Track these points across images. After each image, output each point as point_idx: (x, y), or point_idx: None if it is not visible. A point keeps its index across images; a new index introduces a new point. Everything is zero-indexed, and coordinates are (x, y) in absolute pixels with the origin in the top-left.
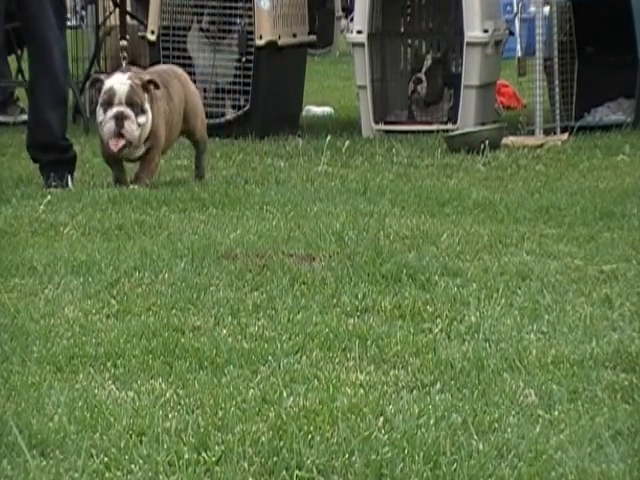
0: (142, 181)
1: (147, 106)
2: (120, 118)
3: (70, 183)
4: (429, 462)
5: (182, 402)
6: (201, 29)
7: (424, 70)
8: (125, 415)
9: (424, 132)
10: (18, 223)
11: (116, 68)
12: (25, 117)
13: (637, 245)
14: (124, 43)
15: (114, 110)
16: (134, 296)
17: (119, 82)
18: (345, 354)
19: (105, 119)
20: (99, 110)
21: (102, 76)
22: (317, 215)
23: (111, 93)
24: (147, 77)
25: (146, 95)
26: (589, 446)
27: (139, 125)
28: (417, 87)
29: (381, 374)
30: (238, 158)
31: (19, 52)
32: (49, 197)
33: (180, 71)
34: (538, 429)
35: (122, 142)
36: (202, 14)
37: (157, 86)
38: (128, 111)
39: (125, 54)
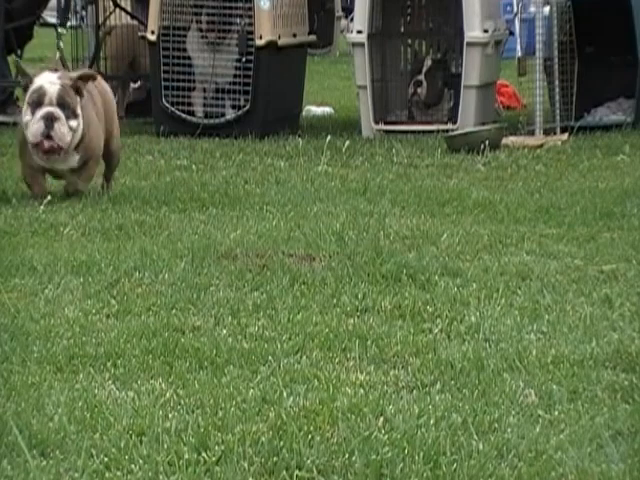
0: (79, 186)
1: (79, 110)
2: (50, 119)
3: None
4: (429, 462)
5: (182, 402)
6: (200, 29)
7: (424, 72)
8: (125, 415)
9: (424, 132)
10: (18, 223)
11: (117, 68)
12: None
13: (637, 245)
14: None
15: (43, 110)
16: (134, 296)
17: (49, 81)
18: (345, 354)
19: (33, 120)
20: (26, 110)
21: (30, 72)
22: (317, 215)
23: (41, 92)
24: (77, 76)
25: (78, 98)
26: (589, 446)
27: (70, 129)
28: (417, 89)
29: (381, 374)
30: (238, 158)
31: (19, 52)
32: (49, 197)
33: (98, 76)
34: (538, 429)
35: (51, 143)
36: (201, 14)
37: (82, 88)
38: (59, 112)
39: (61, 53)
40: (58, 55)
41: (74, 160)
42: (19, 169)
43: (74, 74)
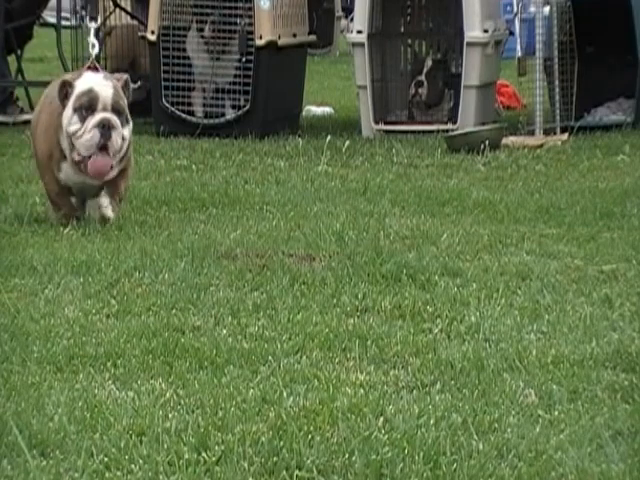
0: (110, 212)
1: (128, 115)
2: (107, 127)
3: None
4: (429, 462)
5: (182, 402)
6: (201, 29)
7: (425, 72)
8: (125, 415)
9: (424, 132)
10: (18, 223)
11: (117, 68)
12: (25, 117)
13: (637, 245)
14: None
15: (98, 117)
16: (134, 296)
17: (99, 82)
18: (345, 354)
19: (85, 128)
20: (71, 117)
21: (69, 77)
22: (317, 215)
23: (92, 96)
24: (124, 77)
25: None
26: (589, 446)
27: (123, 138)
28: (418, 90)
29: (381, 374)
30: (238, 158)
31: (19, 52)
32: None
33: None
34: (538, 429)
35: (110, 161)
36: (202, 14)
37: (128, 90)
38: (115, 119)
39: (93, 51)
40: (94, 52)
41: (112, 173)
42: (42, 185)
43: (118, 75)
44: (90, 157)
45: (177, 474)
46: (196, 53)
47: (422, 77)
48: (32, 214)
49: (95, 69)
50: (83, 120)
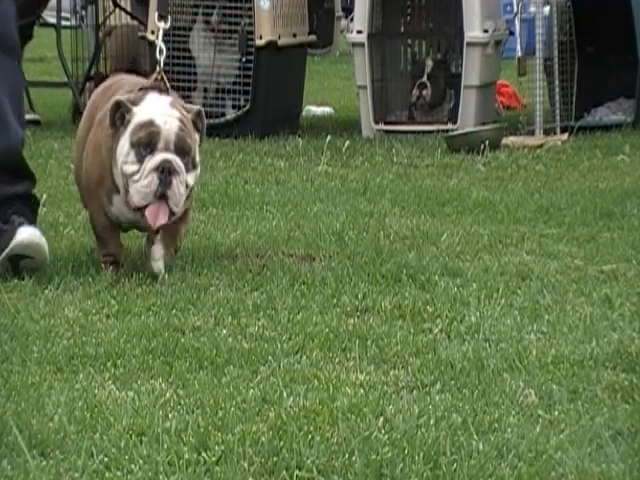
0: (168, 252)
1: (198, 156)
2: (167, 172)
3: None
4: (429, 462)
5: (182, 402)
6: (207, 22)
7: (426, 74)
8: (125, 415)
9: (424, 132)
10: None
11: (117, 68)
12: (27, 116)
13: (637, 245)
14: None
15: (158, 158)
16: (134, 296)
17: (162, 112)
18: (345, 354)
19: (142, 171)
20: (127, 154)
21: (124, 99)
22: (317, 215)
23: (153, 130)
24: (195, 108)
25: (197, 136)
26: (589, 446)
27: (187, 186)
28: (422, 92)
29: (381, 374)
30: (238, 158)
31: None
32: (45, 197)
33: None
34: (538, 429)
35: (166, 215)
36: (204, 14)
37: (200, 124)
38: (179, 162)
39: (159, 58)
40: (161, 58)
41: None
42: (87, 216)
43: (189, 106)
44: (147, 205)
45: (177, 474)
46: (199, 52)
47: (424, 79)
48: None
49: (162, 89)
50: (141, 160)
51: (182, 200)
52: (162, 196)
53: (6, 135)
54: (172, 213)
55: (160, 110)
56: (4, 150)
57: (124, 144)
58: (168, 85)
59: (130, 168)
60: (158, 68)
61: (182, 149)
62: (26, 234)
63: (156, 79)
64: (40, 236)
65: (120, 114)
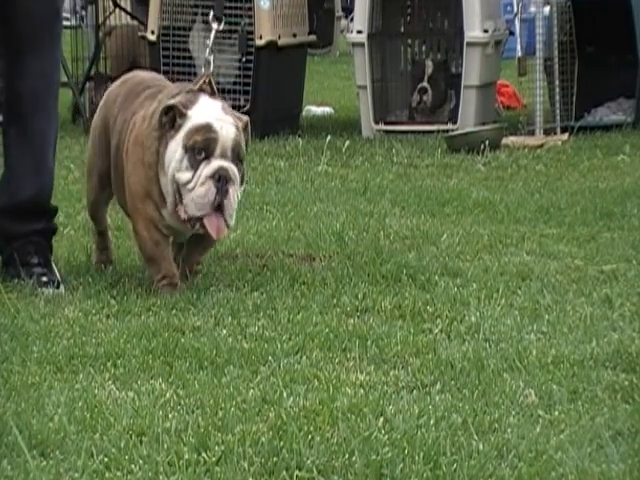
0: (197, 266)
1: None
2: (225, 180)
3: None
4: (429, 462)
5: (182, 402)
6: (205, 21)
7: (427, 77)
8: (125, 415)
9: (424, 132)
10: None
11: (117, 68)
12: None
13: (637, 245)
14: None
15: (216, 165)
16: (134, 296)
17: (220, 118)
18: (345, 354)
19: (197, 178)
20: (183, 160)
21: (175, 101)
22: (317, 215)
23: (211, 136)
24: (244, 118)
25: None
26: (589, 446)
27: (238, 195)
28: (423, 97)
29: (381, 374)
30: None
31: None
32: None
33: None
34: (538, 429)
35: (224, 225)
36: (207, 8)
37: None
38: (235, 171)
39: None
40: (211, 59)
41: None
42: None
43: (237, 113)
44: (202, 217)
45: (177, 474)
46: (198, 52)
47: (425, 83)
48: None
49: (212, 94)
50: (196, 166)
51: (234, 212)
52: (218, 206)
53: (42, 177)
54: (227, 225)
55: (216, 114)
56: (37, 193)
57: (176, 148)
58: (215, 90)
59: (183, 176)
60: (206, 71)
61: (238, 157)
62: (49, 296)
63: (204, 82)
64: (61, 293)
65: (171, 117)
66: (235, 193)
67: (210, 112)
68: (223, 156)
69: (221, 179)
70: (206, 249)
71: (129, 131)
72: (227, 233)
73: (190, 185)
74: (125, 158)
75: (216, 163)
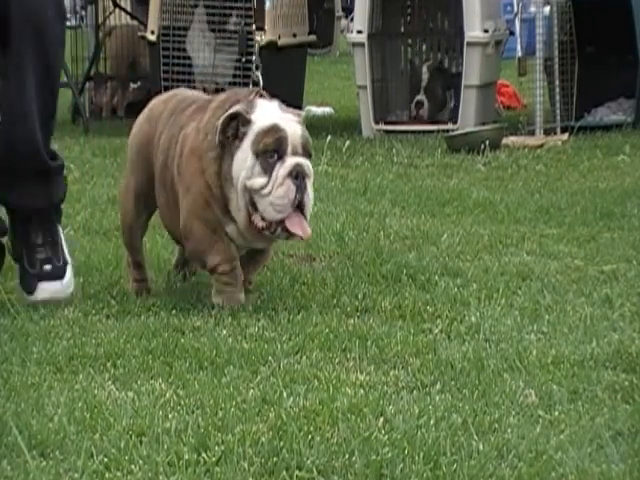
0: (250, 286)
1: None
2: (302, 177)
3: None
4: (429, 462)
5: (182, 402)
6: (204, 22)
7: (423, 87)
8: (125, 415)
9: (424, 132)
10: None
11: (117, 68)
12: None
13: (637, 245)
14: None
15: (291, 162)
16: (134, 296)
17: (284, 117)
18: (345, 354)
19: (275, 180)
20: (254, 166)
21: (238, 109)
22: (317, 215)
23: (280, 135)
24: (302, 113)
25: None
26: (589, 446)
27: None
28: (419, 111)
29: (381, 374)
30: None
31: None
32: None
33: None
34: (538, 429)
35: (307, 223)
36: (207, 8)
37: None
38: (310, 166)
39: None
40: (258, 72)
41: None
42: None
43: (292, 109)
44: (282, 220)
45: (177, 474)
46: (196, 52)
47: (421, 96)
48: None
49: (269, 97)
50: (270, 169)
51: (311, 208)
52: (298, 204)
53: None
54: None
55: (278, 113)
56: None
57: (244, 157)
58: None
59: (258, 182)
60: (255, 84)
61: (308, 152)
62: (47, 294)
63: (256, 95)
64: (63, 290)
65: (235, 127)
66: (312, 189)
67: (272, 112)
68: (295, 153)
69: (299, 176)
70: (259, 264)
71: (179, 145)
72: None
73: (266, 189)
74: (178, 172)
75: (291, 160)
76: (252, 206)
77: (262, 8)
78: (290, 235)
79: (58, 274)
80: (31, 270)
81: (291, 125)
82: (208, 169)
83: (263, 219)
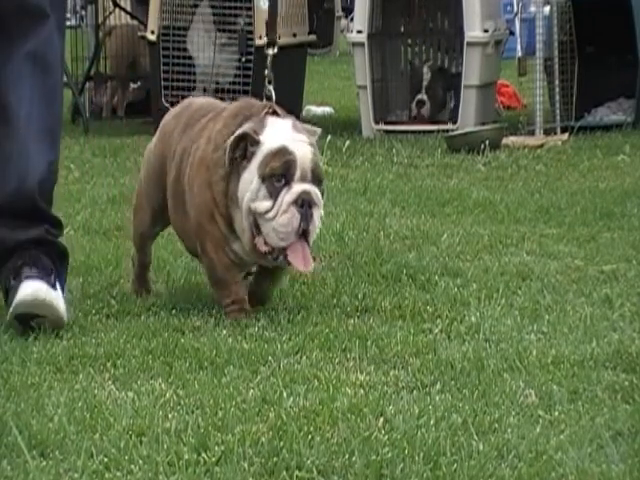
0: (269, 296)
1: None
2: (308, 205)
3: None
4: (429, 462)
5: (182, 402)
6: (204, 22)
7: (424, 87)
8: (125, 415)
9: (424, 132)
10: None
11: (117, 68)
12: None
13: (637, 245)
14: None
15: (298, 189)
16: (134, 296)
17: (294, 138)
18: (345, 354)
19: (280, 206)
20: (260, 190)
21: (247, 129)
22: None
23: (288, 159)
24: (318, 131)
25: None
26: (589, 446)
27: (320, 219)
28: (420, 111)
29: (381, 374)
30: None
31: None
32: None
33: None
34: (538, 429)
35: (310, 255)
36: (203, 14)
37: None
38: (318, 193)
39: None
40: (271, 87)
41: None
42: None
43: (308, 126)
44: (285, 248)
45: (177, 474)
46: (197, 52)
47: (422, 95)
48: None
49: (278, 113)
50: (275, 194)
51: (315, 235)
52: (303, 233)
53: (21, 169)
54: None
55: (288, 134)
56: (16, 190)
57: (250, 179)
58: (281, 112)
59: (262, 205)
60: (268, 98)
61: (318, 178)
62: (29, 290)
63: (272, 108)
64: (47, 290)
65: (243, 147)
66: (319, 218)
67: (282, 133)
68: (303, 179)
69: (304, 204)
70: (275, 284)
71: (191, 156)
72: (314, 265)
73: (270, 214)
74: (188, 182)
75: (298, 187)
76: (256, 228)
77: (274, 12)
78: (290, 265)
79: (45, 279)
80: (13, 282)
81: (301, 148)
82: (216, 186)
83: (266, 243)
